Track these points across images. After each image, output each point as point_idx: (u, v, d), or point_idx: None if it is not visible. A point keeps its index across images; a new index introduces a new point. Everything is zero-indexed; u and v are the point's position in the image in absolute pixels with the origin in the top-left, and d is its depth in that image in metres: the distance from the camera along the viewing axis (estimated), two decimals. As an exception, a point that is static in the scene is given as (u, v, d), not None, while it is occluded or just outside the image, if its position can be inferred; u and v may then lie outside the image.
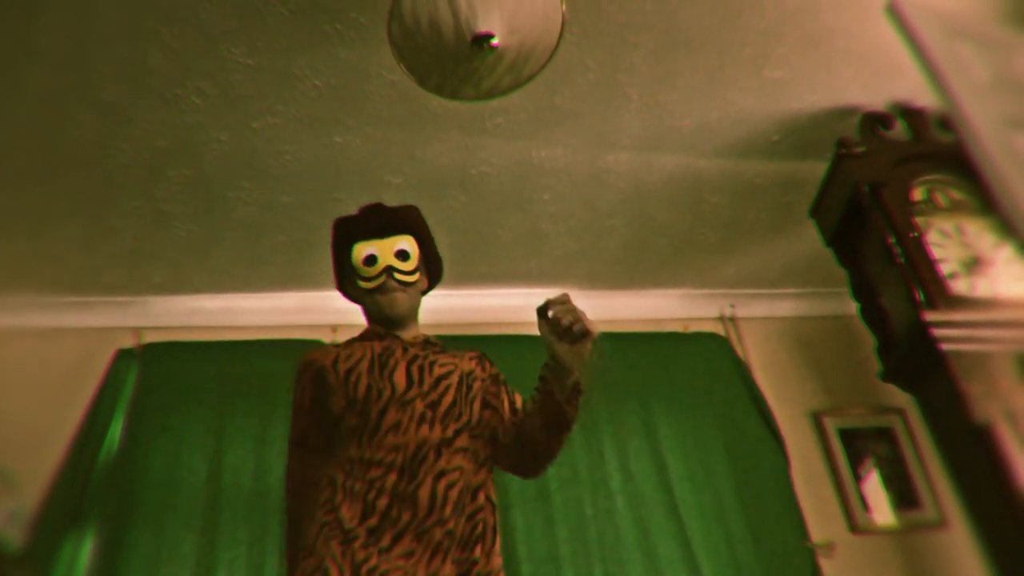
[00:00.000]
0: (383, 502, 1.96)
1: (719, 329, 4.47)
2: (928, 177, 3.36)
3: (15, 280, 3.85)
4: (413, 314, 2.36)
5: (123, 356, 3.83)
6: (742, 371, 4.28)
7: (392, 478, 1.99)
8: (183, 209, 3.54)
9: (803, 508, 3.93)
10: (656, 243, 4.14)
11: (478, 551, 2.01)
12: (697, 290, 4.55)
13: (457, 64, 2.61)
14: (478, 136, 3.35)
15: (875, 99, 3.43)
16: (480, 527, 2.04)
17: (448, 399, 2.14)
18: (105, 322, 3.98)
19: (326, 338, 3.87)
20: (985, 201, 3.26)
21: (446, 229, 3.70)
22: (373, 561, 1.89)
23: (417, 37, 2.53)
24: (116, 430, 3.65)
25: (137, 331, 3.93)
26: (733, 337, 4.44)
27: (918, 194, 3.33)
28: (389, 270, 2.29)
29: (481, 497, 2.09)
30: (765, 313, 4.60)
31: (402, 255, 2.31)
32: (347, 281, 2.45)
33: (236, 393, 3.75)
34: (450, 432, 2.08)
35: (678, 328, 4.39)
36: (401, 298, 2.30)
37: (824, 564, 3.80)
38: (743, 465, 3.97)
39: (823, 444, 4.21)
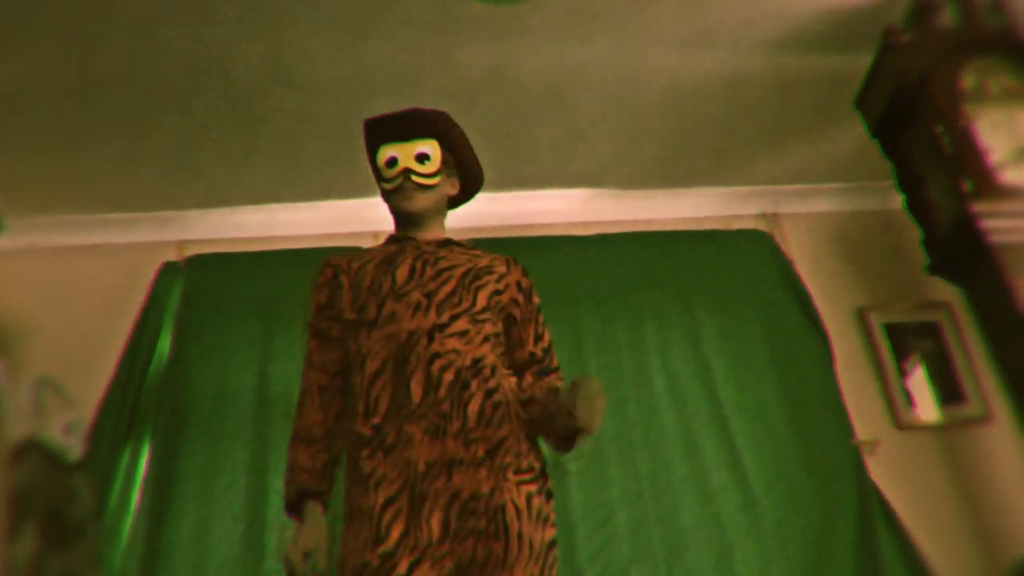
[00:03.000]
0: (382, 397, 2.08)
1: (762, 226, 4.44)
2: (978, 64, 3.29)
3: (58, 201, 3.93)
4: (432, 214, 2.42)
5: (167, 270, 3.91)
6: (786, 268, 4.26)
7: (387, 368, 2.11)
8: (219, 122, 3.57)
9: (847, 405, 3.95)
10: (697, 141, 4.11)
11: (506, 429, 2.09)
12: (739, 187, 4.52)
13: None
14: (514, 38, 3.33)
15: (923, -14, 3.35)
16: (504, 403, 2.12)
17: (447, 288, 2.21)
18: (148, 237, 4.07)
19: (367, 245, 3.94)
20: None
21: (484, 134, 3.68)
22: (381, 470, 2.02)
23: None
24: (165, 342, 3.76)
25: (180, 244, 4.01)
26: (776, 234, 4.42)
27: (967, 82, 3.27)
28: (407, 172, 2.35)
29: (499, 375, 2.16)
30: (809, 209, 4.57)
31: (421, 158, 2.36)
32: (378, 182, 2.53)
33: (280, 303, 3.81)
34: (445, 318, 2.15)
35: (720, 226, 4.38)
36: (418, 196, 2.37)
37: (868, 461, 3.83)
38: (787, 363, 3.99)
39: (868, 340, 4.21)
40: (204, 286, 3.87)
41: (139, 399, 3.63)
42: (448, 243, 2.39)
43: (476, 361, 2.13)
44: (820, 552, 3.59)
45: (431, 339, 2.11)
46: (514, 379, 2.25)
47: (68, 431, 3.25)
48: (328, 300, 2.35)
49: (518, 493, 2.04)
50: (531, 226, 4.21)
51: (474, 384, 2.09)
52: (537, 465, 2.14)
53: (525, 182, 4.20)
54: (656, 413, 3.79)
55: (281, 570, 3.35)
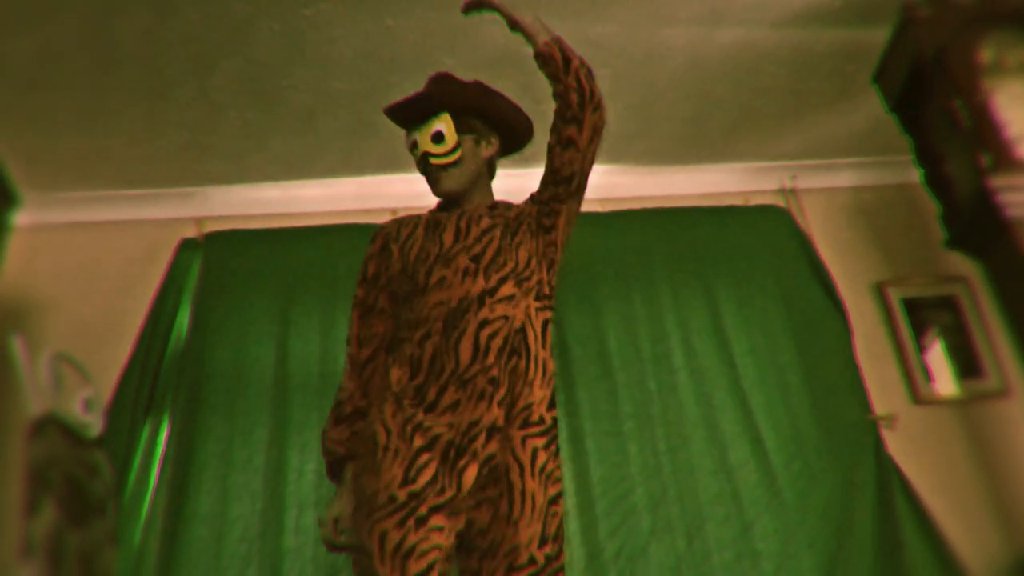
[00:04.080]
0: (428, 357, 2.19)
1: (780, 201, 4.52)
2: (996, 37, 3.32)
3: (77, 177, 4.02)
4: (467, 189, 2.49)
5: (186, 246, 4.00)
6: (804, 243, 4.34)
7: (436, 332, 2.20)
8: (237, 99, 3.65)
9: (866, 380, 4.04)
10: (715, 117, 4.17)
11: (519, 386, 2.20)
12: (757, 163, 4.59)
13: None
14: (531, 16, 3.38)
15: (941, -41, 3.39)
16: (523, 363, 2.22)
17: (492, 249, 2.31)
18: (167, 214, 4.16)
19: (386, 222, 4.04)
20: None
21: (501, 110, 3.79)
22: (419, 417, 2.13)
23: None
24: (183, 319, 3.85)
25: (199, 221, 4.10)
26: (794, 209, 4.49)
27: (985, 56, 3.30)
28: (425, 157, 2.43)
29: (521, 335, 2.25)
30: (827, 184, 4.64)
31: (437, 138, 2.42)
32: None
33: (299, 280, 3.92)
34: (493, 282, 2.25)
35: (739, 202, 4.45)
36: (442, 178, 2.44)
37: (887, 436, 3.92)
38: (805, 338, 4.07)
39: (886, 315, 4.30)
40: (223, 263, 3.95)
41: (158, 376, 3.72)
42: (493, 207, 2.48)
43: (522, 326, 2.23)
44: (839, 527, 3.67)
45: (481, 304, 2.21)
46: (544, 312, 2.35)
47: (87, 407, 3.32)
48: (376, 271, 2.46)
49: (523, 448, 2.15)
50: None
51: (521, 349, 2.21)
52: (548, 418, 2.22)
53: (543, 159, 4.21)
54: (675, 389, 3.87)
55: (299, 547, 3.48)
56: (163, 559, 3.36)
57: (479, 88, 2.55)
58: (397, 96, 3.65)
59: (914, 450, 3.95)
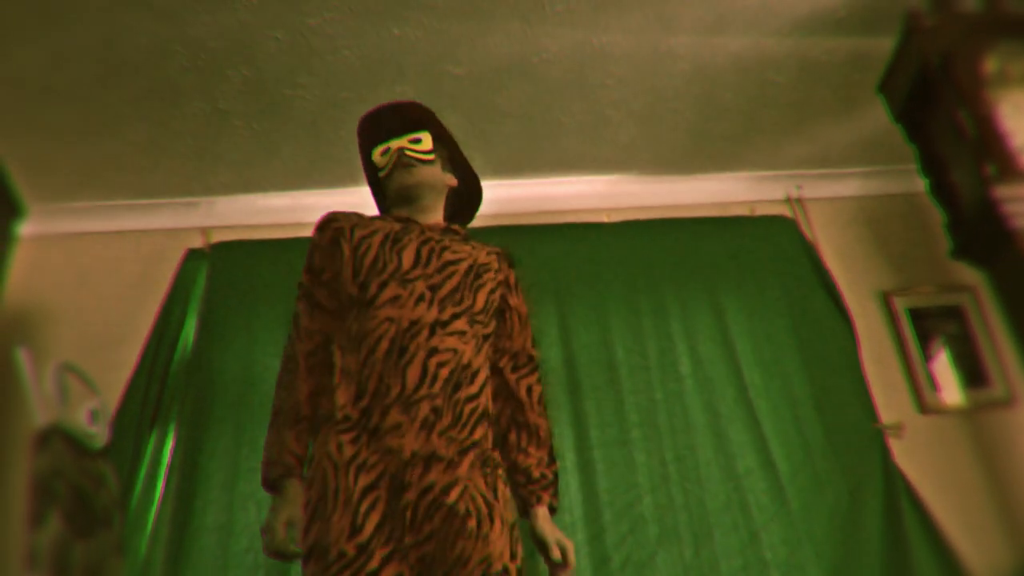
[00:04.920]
0: (374, 380, 2.16)
1: (786, 211, 4.55)
2: (1001, 47, 3.35)
3: (83, 187, 4.06)
4: (431, 193, 2.53)
5: (193, 256, 4.03)
6: (810, 252, 4.38)
7: (382, 350, 2.18)
8: (243, 109, 3.69)
9: (872, 389, 4.07)
10: (721, 126, 4.21)
11: (479, 434, 2.21)
12: (763, 172, 4.63)
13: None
14: (538, 24, 3.42)
15: (946, -31, 3.43)
16: (480, 410, 2.24)
17: (451, 284, 2.32)
18: (173, 223, 4.20)
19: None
20: (1061, 71, 3.30)
21: (509, 119, 3.80)
22: (363, 453, 2.09)
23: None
24: (190, 329, 3.88)
25: (205, 231, 4.13)
26: (800, 218, 4.53)
27: (990, 66, 3.34)
28: (400, 150, 2.48)
29: (480, 380, 2.28)
30: (833, 193, 4.67)
31: (414, 142, 2.50)
32: (373, 187, 2.69)
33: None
34: (447, 315, 2.26)
35: (745, 211, 4.49)
36: (413, 170, 2.48)
37: (893, 445, 3.95)
38: (812, 347, 4.10)
39: (892, 324, 4.33)
40: (229, 273, 3.98)
41: (164, 386, 3.73)
42: (448, 231, 2.49)
43: (468, 365, 2.24)
44: (846, 536, 3.70)
45: (432, 333, 2.21)
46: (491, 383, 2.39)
47: (92, 418, 3.35)
48: (322, 264, 2.44)
49: (486, 487, 2.16)
50: (556, 212, 4.31)
51: (464, 387, 2.21)
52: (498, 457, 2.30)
53: (549, 168, 4.28)
54: (682, 398, 3.90)
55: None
56: (169, 570, 3.37)
57: (450, 134, 2.65)
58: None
59: (920, 459, 3.98)
